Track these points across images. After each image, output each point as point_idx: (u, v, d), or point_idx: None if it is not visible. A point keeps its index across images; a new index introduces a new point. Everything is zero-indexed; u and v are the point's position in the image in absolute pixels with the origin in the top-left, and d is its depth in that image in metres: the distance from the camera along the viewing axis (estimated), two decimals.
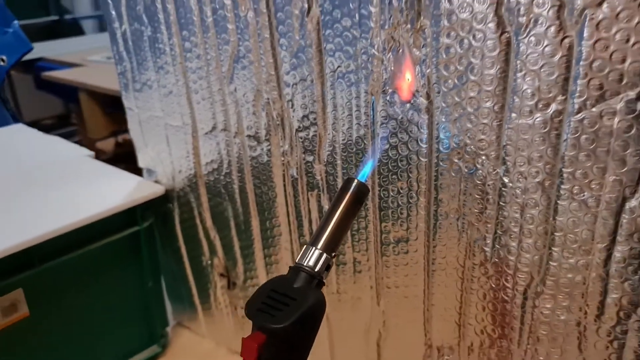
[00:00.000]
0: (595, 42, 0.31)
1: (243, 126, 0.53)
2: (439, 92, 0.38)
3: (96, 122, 1.76)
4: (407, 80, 0.39)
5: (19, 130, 0.89)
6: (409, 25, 0.38)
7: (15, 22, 1.02)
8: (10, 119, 1.09)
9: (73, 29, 2.77)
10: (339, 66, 0.43)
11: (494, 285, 0.41)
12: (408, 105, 0.40)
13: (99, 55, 1.96)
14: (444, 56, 0.37)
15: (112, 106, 1.72)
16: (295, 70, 0.46)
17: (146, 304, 0.70)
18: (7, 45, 0.99)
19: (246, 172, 0.56)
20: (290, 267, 0.30)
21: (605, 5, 0.30)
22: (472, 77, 0.36)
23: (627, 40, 0.30)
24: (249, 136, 0.53)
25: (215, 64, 0.52)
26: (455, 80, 0.37)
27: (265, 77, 0.49)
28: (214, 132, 0.57)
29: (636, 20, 0.30)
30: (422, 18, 0.37)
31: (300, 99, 0.47)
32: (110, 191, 0.64)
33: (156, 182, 0.67)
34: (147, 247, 0.67)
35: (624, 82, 0.31)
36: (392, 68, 0.40)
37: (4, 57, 0.99)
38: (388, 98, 0.41)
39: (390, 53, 0.40)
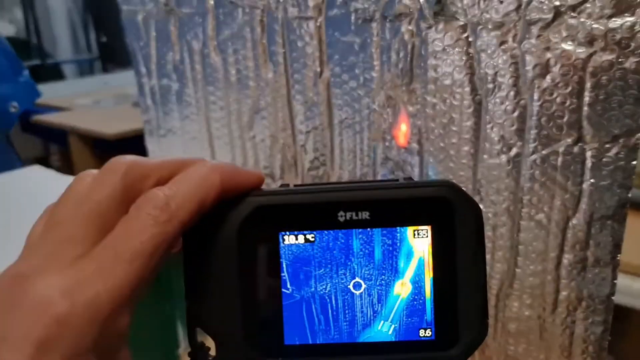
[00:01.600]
0: (542, 103, 0.43)
1: (260, 166, 0.63)
2: (427, 139, 0.49)
3: (85, 163, 1.83)
4: (403, 130, 0.50)
5: (36, 171, 0.97)
6: (404, 87, 0.49)
7: (26, 71, 1.11)
8: (17, 161, 1.16)
9: (54, 73, 2.85)
10: (345, 118, 0.54)
11: None
12: (403, 149, 0.51)
13: (86, 100, 2.04)
14: (431, 111, 0.48)
15: (100, 149, 1.80)
16: (309, 121, 0.57)
17: (161, 327, 0.78)
18: (19, 93, 1.08)
19: None
20: None
21: (548, 76, 0.42)
22: (453, 128, 0.47)
23: (564, 103, 0.42)
24: (265, 175, 0.63)
25: (236, 115, 0.63)
26: (440, 130, 0.48)
27: (282, 126, 0.59)
28: None
29: (569, 88, 0.42)
30: (414, 82, 0.48)
31: (312, 144, 0.58)
32: None
33: None
34: (164, 272, 0.75)
35: (564, 132, 0.43)
36: (391, 120, 0.51)
37: (16, 104, 1.07)
38: (387, 144, 0.52)
39: (388, 108, 0.51)
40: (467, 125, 0.47)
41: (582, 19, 0.40)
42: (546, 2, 0.41)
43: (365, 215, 0.24)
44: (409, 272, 0.24)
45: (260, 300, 0.24)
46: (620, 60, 0.40)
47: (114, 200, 0.21)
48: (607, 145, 0.41)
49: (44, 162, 2.63)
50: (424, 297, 0.24)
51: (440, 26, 0.46)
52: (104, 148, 1.72)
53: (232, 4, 0.58)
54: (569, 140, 0.43)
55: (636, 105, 0.40)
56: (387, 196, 0.24)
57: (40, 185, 0.91)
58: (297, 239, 0.24)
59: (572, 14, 0.40)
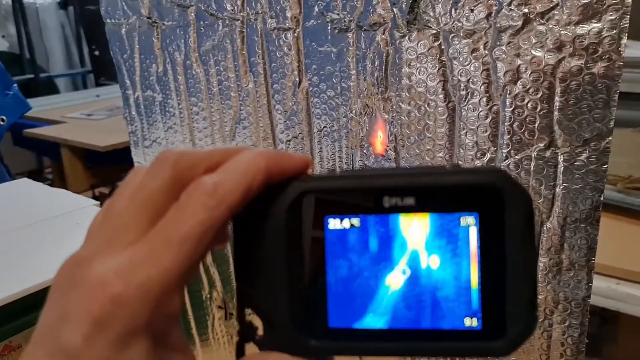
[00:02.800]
0: (514, 109, 0.43)
1: None
2: (403, 146, 0.50)
3: (77, 176, 1.83)
4: (379, 137, 0.51)
5: (25, 184, 0.97)
6: (379, 95, 0.50)
7: (15, 85, 1.12)
8: (6, 174, 1.17)
9: (48, 87, 2.86)
10: (324, 126, 0.55)
11: None
12: (380, 157, 0.52)
13: (77, 113, 2.04)
14: (407, 119, 0.49)
15: (91, 161, 1.80)
16: (289, 130, 0.58)
17: None
18: (7, 106, 1.08)
19: None
20: None
21: (519, 83, 0.43)
22: (428, 134, 0.48)
23: (535, 108, 0.43)
24: None
25: (219, 124, 0.63)
26: (416, 137, 0.49)
27: (263, 135, 0.60)
28: None
29: (540, 93, 0.42)
30: (389, 90, 0.49)
31: (293, 152, 0.58)
32: None
33: None
34: None
35: (536, 137, 0.43)
36: (367, 128, 0.51)
37: (4, 118, 1.08)
38: (365, 151, 0.52)
39: (365, 116, 0.51)
40: (441, 131, 0.47)
41: (550, 26, 0.41)
42: (515, 9, 0.42)
43: (410, 201, 0.24)
44: (456, 259, 0.24)
45: (306, 283, 0.25)
46: (588, 65, 0.40)
47: (165, 189, 0.22)
48: (579, 150, 0.42)
49: (38, 175, 2.63)
50: (471, 286, 0.23)
51: (414, 35, 0.46)
52: (95, 160, 1.73)
53: (212, 16, 0.59)
54: (541, 145, 0.43)
55: (605, 109, 0.40)
56: (434, 182, 0.24)
57: (29, 199, 0.91)
58: (342, 224, 0.24)
59: (540, 20, 0.41)
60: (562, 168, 0.43)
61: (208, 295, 0.75)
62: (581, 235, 0.44)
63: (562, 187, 0.43)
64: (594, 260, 0.44)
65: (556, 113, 0.42)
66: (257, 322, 0.26)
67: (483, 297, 0.23)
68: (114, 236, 0.22)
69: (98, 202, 0.84)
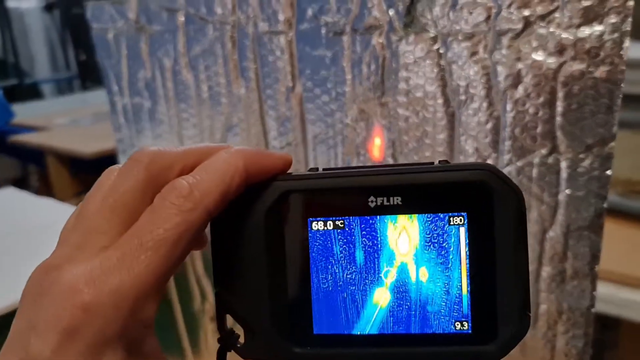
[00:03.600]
0: (515, 114, 0.42)
1: None
2: (401, 153, 0.48)
3: (63, 183, 1.80)
4: (377, 143, 0.49)
5: (10, 193, 0.95)
6: (376, 101, 0.48)
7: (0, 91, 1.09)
8: None
9: (32, 92, 2.82)
10: (319, 133, 0.53)
11: None
12: (378, 163, 0.50)
13: (62, 119, 2.01)
14: (404, 125, 0.47)
15: (77, 168, 1.77)
16: (282, 137, 0.56)
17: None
18: None
19: None
20: None
21: (520, 87, 0.42)
22: (427, 141, 0.47)
23: (537, 113, 0.41)
24: None
25: (209, 131, 0.62)
26: (414, 143, 0.47)
27: (255, 142, 0.58)
28: None
29: (542, 98, 0.41)
30: (386, 95, 0.48)
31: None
32: None
33: None
34: None
35: (538, 142, 0.42)
36: (364, 134, 0.50)
37: None
38: (361, 158, 0.51)
39: (361, 122, 0.50)
40: (440, 137, 0.46)
41: (551, 29, 0.40)
42: (515, 12, 0.41)
43: (397, 200, 0.23)
44: (442, 262, 0.23)
45: (289, 288, 0.24)
46: (590, 69, 0.39)
47: (138, 191, 0.22)
48: (581, 155, 0.41)
49: (23, 182, 2.59)
50: (460, 288, 0.23)
51: (411, 38, 0.45)
52: (81, 167, 1.70)
53: (202, 20, 0.57)
54: (543, 151, 0.42)
55: (608, 114, 0.39)
56: (420, 180, 0.23)
57: (13, 208, 0.88)
58: (326, 226, 0.23)
59: (541, 23, 0.40)
60: (565, 175, 0.42)
61: (200, 307, 0.73)
62: (585, 243, 0.42)
63: (565, 194, 0.42)
64: (597, 268, 0.43)
65: (558, 118, 0.41)
66: (239, 329, 0.25)
67: (473, 300, 0.23)
68: (85, 241, 0.21)
69: None
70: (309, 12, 0.50)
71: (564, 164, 0.42)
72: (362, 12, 0.47)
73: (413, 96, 0.46)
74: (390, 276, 0.23)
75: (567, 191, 0.42)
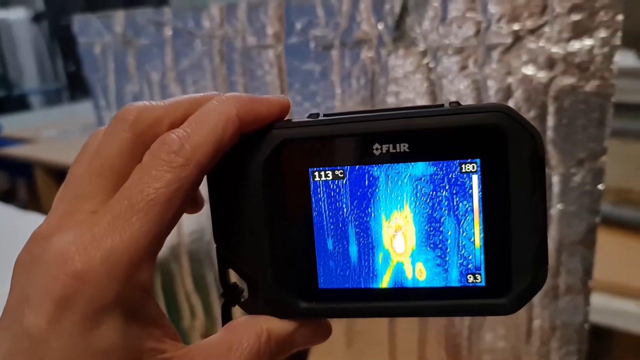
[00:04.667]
0: None
1: None
2: None
3: (51, 196, 1.77)
4: None
5: None
6: None
7: None
8: None
9: (20, 104, 2.79)
10: None
11: (446, 323, 0.50)
12: None
13: (52, 130, 1.99)
14: None
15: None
16: None
17: None
18: None
19: None
20: None
21: (510, 101, 0.41)
22: None
23: None
24: None
25: None
26: None
27: None
28: None
29: (532, 112, 0.41)
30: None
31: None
32: None
33: None
34: None
35: None
36: None
37: None
38: None
39: None
40: None
41: (541, 43, 0.40)
42: (505, 26, 0.40)
43: (404, 147, 0.21)
44: (454, 212, 0.21)
45: (291, 242, 0.22)
46: (580, 83, 0.39)
47: (126, 151, 0.20)
48: (573, 170, 0.41)
49: (11, 195, 2.56)
50: (473, 239, 0.21)
51: (400, 52, 0.45)
52: None
53: (190, 34, 0.57)
54: None
55: (599, 128, 0.39)
56: (428, 125, 0.21)
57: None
58: (328, 175, 0.22)
59: (531, 38, 0.40)
60: (557, 190, 0.41)
61: (190, 324, 0.72)
62: (577, 258, 0.42)
63: (557, 209, 0.42)
64: (590, 283, 0.42)
65: (549, 132, 0.41)
66: (243, 283, 0.24)
67: (486, 251, 0.21)
68: (74, 207, 0.20)
69: None
70: (298, 26, 0.49)
71: (555, 179, 0.41)
72: (351, 26, 0.46)
73: None
74: (398, 228, 0.22)
75: (559, 206, 0.42)
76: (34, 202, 1.95)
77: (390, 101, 0.46)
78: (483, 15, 0.41)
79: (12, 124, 2.22)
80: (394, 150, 0.21)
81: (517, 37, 0.40)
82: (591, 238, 0.41)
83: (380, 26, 0.45)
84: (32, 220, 0.85)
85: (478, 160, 0.21)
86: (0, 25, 2.78)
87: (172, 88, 0.60)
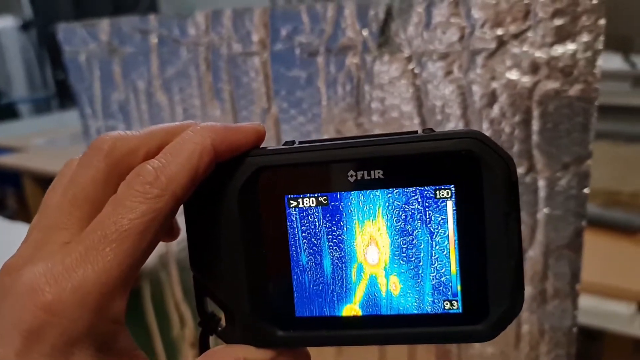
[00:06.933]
0: (492, 133, 0.42)
1: None
2: None
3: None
4: None
5: None
6: (352, 121, 0.48)
7: None
8: None
9: (9, 112, 2.77)
10: None
11: None
12: None
13: (41, 139, 1.98)
14: None
15: None
16: None
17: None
18: None
19: None
20: None
21: (495, 106, 0.42)
22: None
23: (513, 132, 0.41)
24: None
25: None
26: None
27: None
28: None
29: (517, 117, 0.41)
30: (361, 116, 0.47)
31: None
32: None
33: None
34: None
35: (515, 161, 0.42)
36: None
37: None
38: None
39: None
40: None
41: (524, 48, 0.40)
42: (488, 32, 0.41)
43: (378, 174, 0.21)
44: (430, 238, 0.21)
45: (267, 270, 0.22)
46: (564, 87, 0.39)
47: (100, 181, 0.21)
48: (558, 174, 0.41)
49: (1, 205, 2.54)
50: (449, 266, 0.21)
51: (385, 58, 0.45)
52: None
53: (175, 42, 0.56)
54: (521, 170, 0.42)
55: (584, 133, 0.39)
56: (402, 152, 0.21)
57: None
58: (303, 202, 0.22)
59: (514, 43, 0.40)
60: (542, 194, 0.41)
61: (179, 333, 0.71)
62: (565, 262, 0.42)
63: (543, 213, 0.42)
64: (578, 287, 0.42)
65: (534, 137, 0.41)
66: (220, 312, 0.24)
67: (463, 278, 0.21)
68: (46, 238, 0.20)
69: None
70: (283, 32, 0.49)
71: (541, 183, 0.41)
72: (336, 33, 0.46)
73: (389, 116, 0.46)
74: (374, 254, 0.22)
75: (546, 210, 0.42)
76: (23, 211, 1.94)
77: (377, 107, 0.46)
78: (467, 21, 0.41)
79: (1, 132, 2.21)
80: (369, 177, 0.21)
81: (501, 42, 0.40)
82: (578, 242, 0.42)
83: (365, 32, 0.45)
84: (18, 230, 0.84)
85: (452, 186, 0.21)
86: None
87: (158, 96, 0.60)
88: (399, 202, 0.21)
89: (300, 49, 0.49)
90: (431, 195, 0.21)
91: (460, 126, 0.43)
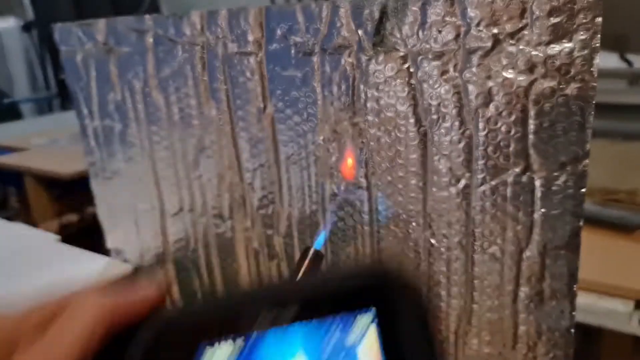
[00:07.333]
0: (487, 132, 0.42)
1: (208, 206, 0.61)
2: (374, 173, 0.47)
3: (41, 205, 1.76)
4: (349, 164, 0.48)
5: None
6: (347, 121, 0.47)
7: None
8: None
9: (11, 112, 2.77)
10: (292, 154, 0.52)
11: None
12: (351, 185, 0.49)
13: (42, 139, 1.98)
14: (376, 145, 0.47)
15: (57, 189, 1.74)
16: (255, 158, 0.55)
17: None
18: None
19: (211, 247, 0.63)
20: None
21: (491, 105, 0.41)
22: (400, 161, 0.46)
23: (509, 131, 0.41)
24: (214, 215, 0.61)
25: (181, 154, 0.60)
26: (387, 164, 0.47)
27: (228, 164, 0.57)
28: (181, 213, 0.63)
29: (513, 116, 0.40)
30: (357, 116, 0.47)
31: (260, 181, 0.55)
32: (79, 274, 0.68)
33: (125, 261, 0.72)
34: None
35: (511, 161, 0.41)
36: (337, 155, 0.49)
37: None
38: (335, 179, 0.50)
39: (334, 143, 0.49)
40: (413, 157, 0.45)
41: (521, 46, 0.39)
42: (484, 30, 0.40)
43: (294, 309, 0.21)
44: None
45: None
46: (561, 86, 0.39)
47: None
48: (555, 174, 0.40)
49: (3, 204, 2.54)
50: None
51: (381, 57, 0.44)
52: (60, 188, 1.67)
53: (171, 42, 0.56)
54: (517, 170, 0.41)
55: (581, 132, 0.39)
56: (309, 294, 0.22)
57: None
58: (219, 348, 0.21)
59: (510, 41, 0.40)
60: (539, 193, 0.41)
61: None
62: (562, 262, 0.42)
63: (540, 213, 0.41)
64: (575, 288, 0.42)
65: (531, 136, 0.40)
66: None
67: None
68: None
69: (59, 237, 0.80)
70: (278, 32, 0.49)
71: (538, 183, 0.41)
72: (331, 32, 0.46)
73: (384, 116, 0.45)
74: None
75: (542, 210, 0.41)
76: (25, 211, 1.94)
77: (372, 106, 0.46)
78: (462, 20, 0.41)
79: (3, 132, 2.21)
80: (284, 314, 0.21)
81: (497, 41, 0.40)
82: (575, 242, 0.41)
83: (360, 32, 0.44)
84: (17, 230, 0.84)
85: (371, 313, 0.21)
86: None
87: (155, 96, 0.60)
88: (312, 336, 0.21)
89: (296, 48, 0.48)
90: (342, 328, 0.21)
91: (456, 125, 0.42)
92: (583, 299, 0.74)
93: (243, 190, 0.57)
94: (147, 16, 0.57)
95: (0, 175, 2.00)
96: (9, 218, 2.29)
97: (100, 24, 0.61)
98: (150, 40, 0.57)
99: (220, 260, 0.63)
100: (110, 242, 0.73)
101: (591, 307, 0.75)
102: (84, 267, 0.70)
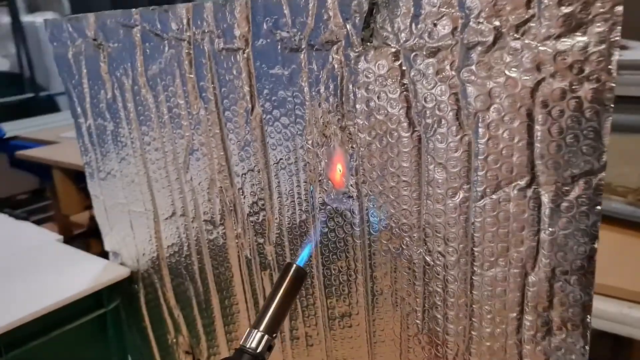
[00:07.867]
0: (488, 139, 0.36)
1: (200, 212, 0.57)
2: (364, 182, 0.43)
3: (70, 198, 1.78)
4: (339, 171, 0.44)
5: None
6: (336, 124, 0.43)
7: None
8: None
9: (48, 105, 2.83)
10: (281, 159, 0.48)
11: (427, 355, 0.45)
12: (341, 193, 0.45)
13: (71, 132, 2.00)
14: (366, 151, 0.42)
15: (85, 181, 1.75)
16: (244, 162, 0.51)
17: None
18: None
19: (204, 254, 0.59)
20: (235, 349, 0.33)
21: (492, 109, 0.36)
22: (392, 169, 0.41)
23: (512, 139, 0.36)
24: (205, 221, 0.57)
25: (172, 155, 0.57)
26: (378, 172, 0.42)
27: (218, 168, 0.53)
28: (173, 217, 0.60)
29: (517, 121, 0.35)
30: (346, 118, 0.42)
31: (250, 187, 0.52)
32: (77, 275, 0.66)
33: (121, 264, 0.70)
34: (113, 328, 0.69)
35: (514, 173, 0.36)
36: (326, 160, 0.45)
37: None
38: (324, 186, 0.46)
39: (323, 148, 0.45)
40: (406, 166, 0.40)
41: (526, 41, 0.34)
42: (484, 22, 0.35)
43: None
44: None
45: None
46: (573, 87, 0.33)
47: None
48: (566, 188, 0.35)
49: (40, 195, 2.60)
50: None
51: (371, 54, 0.40)
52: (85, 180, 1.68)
53: (157, 37, 0.53)
54: (522, 183, 0.36)
55: (596, 140, 0.33)
56: None
57: None
58: None
59: (514, 35, 0.34)
60: (547, 210, 0.36)
61: (174, 340, 0.69)
62: (573, 289, 0.36)
63: (548, 232, 0.36)
64: (589, 319, 0.36)
65: (537, 145, 0.35)
66: None
67: None
68: None
69: (61, 237, 0.79)
70: (264, 26, 0.45)
71: (545, 198, 0.36)
72: (318, 26, 0.41)
73: (375, 119, 0.41)
74: None
75: (550, 229, 0.36)
76: (56, 203, 1.97)
77: (362, 108, 0.41)
78: (460, 10, 0.36)
79: (38, 125, 2.25)
80: None
81: (499, 35, 0.35)
82: (590, 267, 0.36)
83: (348, 25, 0.40)
84: (22, 229, 0.83)
85: None
86: (28, 29, 2.82)
87: (144, 94, 0.56)
88: None
89: (282, 44, 0.44)
90: None
91: (454, 131, 0.37)
92: (613, 307, 0.68)
93: (233, 196, 0.54)
94: (134, 10, 0.54)
95: (30, 168, 2.04)
96: (44, 208, 2.34)
97: (90, 18, 0.58)
98: (137, 35, 0.54)
99: (212, 268, 0.59)
100: (107, 245, 0.71)
101: (621, 317, 0.69)
102: (82, 269, 0.68)
